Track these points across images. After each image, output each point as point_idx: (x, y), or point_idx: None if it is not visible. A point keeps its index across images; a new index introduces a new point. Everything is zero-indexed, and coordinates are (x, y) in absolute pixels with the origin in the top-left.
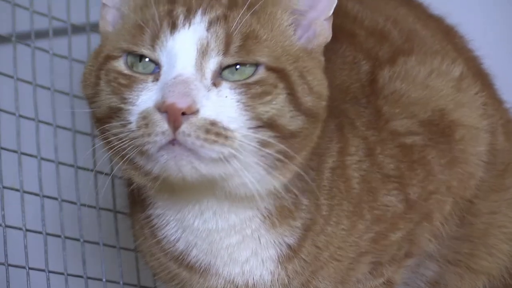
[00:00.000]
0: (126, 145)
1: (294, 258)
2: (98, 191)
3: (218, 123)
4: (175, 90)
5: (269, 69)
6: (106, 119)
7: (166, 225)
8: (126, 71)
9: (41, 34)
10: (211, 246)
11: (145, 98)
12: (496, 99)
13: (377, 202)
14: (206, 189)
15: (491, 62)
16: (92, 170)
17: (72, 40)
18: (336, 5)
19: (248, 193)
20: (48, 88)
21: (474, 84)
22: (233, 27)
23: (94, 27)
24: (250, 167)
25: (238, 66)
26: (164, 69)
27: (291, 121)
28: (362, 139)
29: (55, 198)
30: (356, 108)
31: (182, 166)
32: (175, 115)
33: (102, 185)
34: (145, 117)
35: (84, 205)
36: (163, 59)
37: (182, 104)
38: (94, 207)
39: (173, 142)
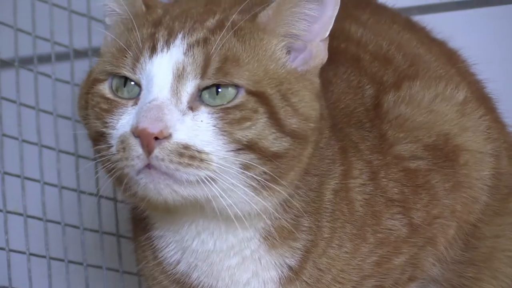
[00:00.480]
0: (111, 166)
1: (296, 280)
2: (100, 215)
3: (191, 146)
4: (147, 115)
5: (249, 92)
6: (95, 141)
7: (166, 246)
8: (109, 95)
9: (44, 59)
10: (212, 268)
11: (124, 122)
12: (499, 123)
13: (380, 226)
14: (197, 209)
15: (494, 85)
16: (95, 195)
17: (74, 64)
18: (340, 29)
19: (238, 213)
20: (51, 113)
21: (478, 108)
22: (213, 50)
23: (96, 52)
24: (235, 188)
25: (219, 90)
26: (142, 93)
27: (274, 142)
28: (366, 163)
29: (58, 223)
30: (361, 132)
31: (161, 189)
32: (148, 140)
33: (105, 209)
34: (122, 141)
35: (87, 229)
36: (143, 82)
37: (153, 129)
38: (97, 231)
39: (149, 166)
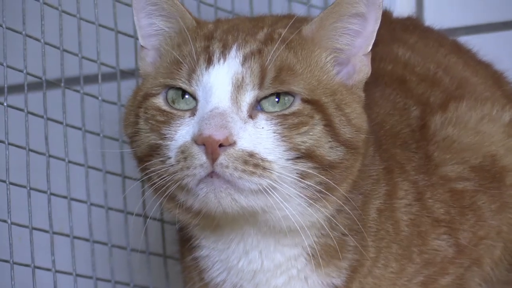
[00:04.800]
0: (166, 180)
1: None
2: (147, 236)
3: (256, 154)
4: (211, 122)
5: (305, 101)
6: (146, 157)
7: (212, 266)
8: (165, 107)
9: (89, 79)
10: None
11: (183, 132)
12: None
13: (426, 246)
14: (249, 223)
15: None
16: (141, 215)
17: (120, 85)
18: (387, 51)
19: (292, 226)
20: (98, 134)
21: None
22: (268, 60)
23: None
24: (291, 199)
25: (278, 98)
26: (200, 104)
27: (331, 151)
28: (411, 184)
29: (105, 243)
30: (406, 152)
31: (222, 199)
32: (213, 147)
33: (151, 230)
34: (183, 151)
35: (134, 250)
36: (199, 93)
37: (219, 136)
38: (144, 252)
39: (211, 174)
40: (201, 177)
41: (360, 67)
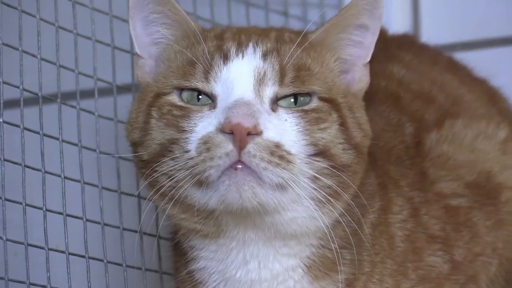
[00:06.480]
0: (181, 175)
1: None
2: (143, 252)
3: (282, 146)
4: (239, 111)
5: (322, 99)
6: (156, 158)
7: (208, 278)
8: (180, 103)
9: (86, 94)
10: None
11: (205, 124)
12: None
13: (422, 262)
14: (254, 227)
15: None
16: (137, 232)
17: (117, 100)
18: (382, 69)
19: (297, 230)
20: (94, 150)
21: None
22: (286, 59)
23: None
24: (302, 200)
25: (292, 100)
26: (220, 98)
27: (343, 153)
28: (406, 199)
29: (101, 260)
30: (401, 169)
31: (244, 192)
32: (241, 135)
33: (147, 246)
34: (206, 142)
35: (130, 266)
36: (217, 89)
37: (248, 123)
38: (140, 269)
39: (235, 166)
40: (225, 168)
41: (360, 76)
